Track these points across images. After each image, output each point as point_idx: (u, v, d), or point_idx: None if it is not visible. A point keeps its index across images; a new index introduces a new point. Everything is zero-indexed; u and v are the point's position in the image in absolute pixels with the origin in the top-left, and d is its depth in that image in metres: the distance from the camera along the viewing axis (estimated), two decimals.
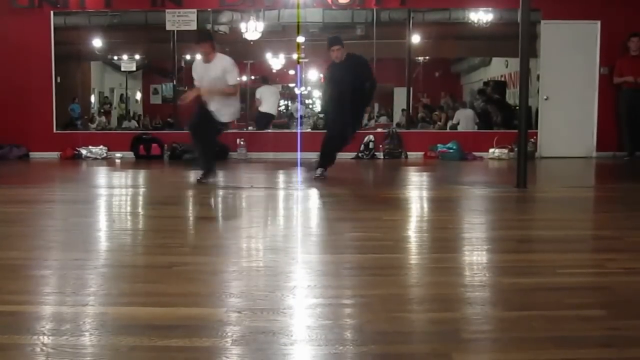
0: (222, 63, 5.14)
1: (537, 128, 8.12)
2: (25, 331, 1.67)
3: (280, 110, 10.22)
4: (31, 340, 1.61)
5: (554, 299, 1.96)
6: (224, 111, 5.15)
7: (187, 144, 8.02)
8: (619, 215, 3.67)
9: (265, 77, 9.78)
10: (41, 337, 1.62)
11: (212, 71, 5.12)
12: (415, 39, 8.71)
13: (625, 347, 1.59)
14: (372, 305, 1.92)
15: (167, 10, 8.24)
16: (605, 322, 1.75)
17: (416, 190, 5.21)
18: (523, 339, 1.63)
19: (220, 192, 4.86)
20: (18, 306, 1.90)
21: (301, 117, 9.54)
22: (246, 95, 10.20)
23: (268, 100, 9.09)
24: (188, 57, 8.73)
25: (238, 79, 5.27)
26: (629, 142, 7.63)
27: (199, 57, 5.30)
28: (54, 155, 8.26)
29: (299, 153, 7.40)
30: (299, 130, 8.50)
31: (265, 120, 9.09)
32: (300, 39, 9.14)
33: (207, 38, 5.27)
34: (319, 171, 5.38)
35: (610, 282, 2.18)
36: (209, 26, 8.47)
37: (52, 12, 8.26)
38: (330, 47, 5.30)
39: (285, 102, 10.82)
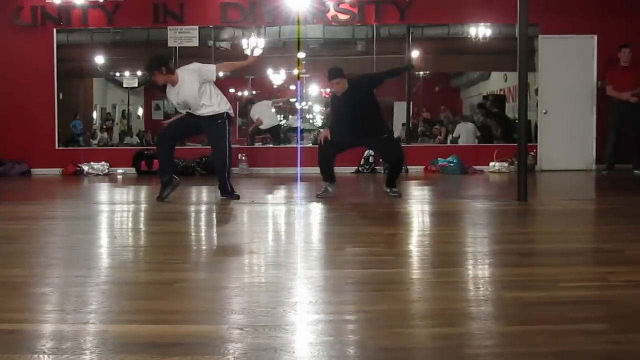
0: (190, 75, 4.70)
1: (537, 141, 8.15)
2: (25, 350, 1.67)
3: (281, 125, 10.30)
4: (32, 359, 1.60)
5: (557, 313, 1.95)
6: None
7: (189, 160, 8.09)
8: (620, 228, 3.66)
9: (259, 94, 9.94)
10: (42, 356, 1.62)
11: (185, 91, 4.68)
12: (415, 54, 8.79)
13: None
14: (374, 321, 1.91)
15: (169, 28, 8.34)
16: (609, 336, 1.74)
17: (417, 204, 5.21)
18: (526, 354, 1.62)
19: (222, 208, 4.87)
20: (19, 325, 1.89)
21: (301, 132, 9.61)
22: (246, 110, 10.27)
23: (265, 117, 9.22)
24: None
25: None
26: (611, 154, 7.59)
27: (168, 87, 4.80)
28: (56, 171, 8.28)
29: (299, 168, 7.42)
30: (299, 146, 8.53)
31: (276, 131, 9.24)
32: (301, 55, 9.23)
33: (157, 66, 4.67)
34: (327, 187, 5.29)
35: (613, 296, 2.17)
36: (210, 43, 8.55)
37: (55, 30, 8.35)
38: (330, 80, 5.14)
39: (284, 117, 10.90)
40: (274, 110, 9.46)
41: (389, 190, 5.26)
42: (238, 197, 5.02)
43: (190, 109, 4.86)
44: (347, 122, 5.12)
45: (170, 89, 4.79)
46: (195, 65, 4.89)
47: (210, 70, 4.81)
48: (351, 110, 5.07)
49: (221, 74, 4.95)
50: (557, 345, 1.68)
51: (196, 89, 4.73)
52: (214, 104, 4.83)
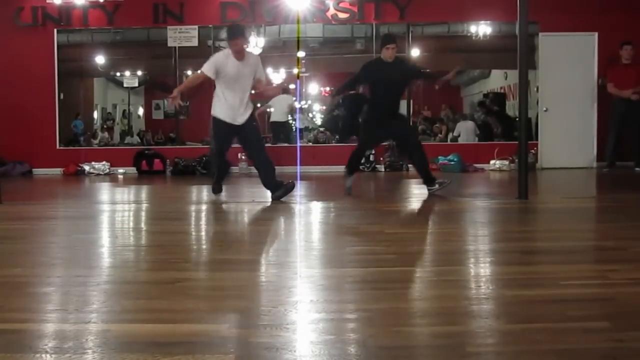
0: (254, 60, 4.82)
1: (537, 139, 8.14)
2: (27, 349, 1.67)
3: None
4: (33, 358, 1.60)
5: (558, 311, 1.96)
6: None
7: (189, 159, 8.10)
8: (621, 226, 3.66)
9: (285, 87, 9.92)
10: (44, 356, 1.62)
11: (247, 70, 4.72)
12: (415, 52, 8.78)
13: (630, 359, 1.58)
14: (375, 319, 1.91)
15: (168, 27, 8.34)
16: (610, 334, 1.74)
17: (418, 202, 5.21)
18: (528, 352, 1.63)
19: (222, 207, 4.87)
20: (20, 324, 1.90)
21: (301, 130, 9.62)
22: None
23: (277, 108, 9.20)
24: (189, 72, 8.81)
25: None
26: (611, 151, 7.57)
27: (225, 53, 4.81)
28: (57, 171, 8.29)
29: (298, 167, 7.41)
30: (298, 144, 8.53)
31: (278, 129, 9.21)
32: (301, 54, 9.23)
33: (241, 33, 4.77)
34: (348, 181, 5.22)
35: (614, 294, 2.17)
36: (209, 42, 8.55)
37: (55, 30, 8.36)
38: (388, 44, 4.95)
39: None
40: (287, 106, 9.36)
41: (434, 188, 5.07)
42: (292, 187, 4.89)
43: (234, 89, 4.76)
44: (382, 98, 4.98)
45: (233, 60, 4.72)
46: (258, 57, 5.02)
47: (262, 74, 4.95)
48: (392, 83, 4.93)
49: (261, 78, 4.97)
50: (558, 342, 1.68)
51: (251, 78, 4.79)
52: (250, 106, 4.91)
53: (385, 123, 5.06)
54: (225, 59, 4.74)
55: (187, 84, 4.99)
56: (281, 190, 4.81)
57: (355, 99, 9.16)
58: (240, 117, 4.80)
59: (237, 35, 4.73)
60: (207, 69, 4.78)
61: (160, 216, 4.60)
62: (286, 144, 8.90)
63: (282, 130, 9.31)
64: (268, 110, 9.33)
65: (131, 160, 8.33)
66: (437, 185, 5.12)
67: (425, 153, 5.16)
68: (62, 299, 2.23)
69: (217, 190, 5.08)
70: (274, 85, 5.25)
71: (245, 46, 4.89)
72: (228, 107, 4.78)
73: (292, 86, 10.62)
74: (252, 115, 4.89)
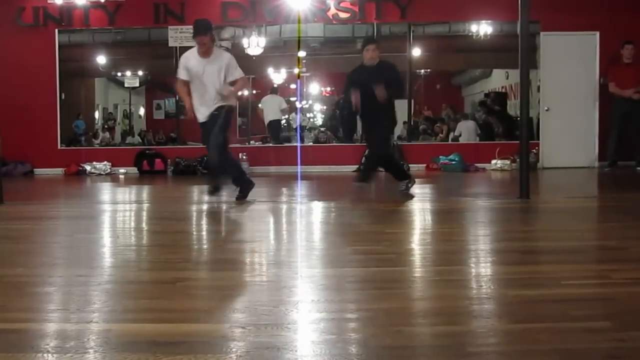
0: (223, 59, 4.64)
1: (538, 139, 8.14)
2: (29, 349, 1.67)
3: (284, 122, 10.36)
4: (35, 358, 1.60)
5: (560, 311, 1.96)
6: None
7: (190, 159, 8.11)
8: (622, 226, 3.65)
9: (273, 87, 9.97)
10: (45, 355, 1.62)
11: (211, 68, 4.56)
12: (416, 52, 8.78)
13: (631, 358, 1.58)
14: (376, 319, 1.91)
15: (169, 27, 8.34)
16: (611, 333, 1.74)
17: (419, 202, 5.21)
18: (529, 352, 1.63)
19: (223, 207, 4.87)
20: (22, 324, 1.90)
21: (301, 130, 9.64)
22: (248, 110, 10.29)
23: (269, 109, 9.24)
24: None
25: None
26: (613, 151, 7.57)
27: (191, 51, 4.70)
28: (59, 171, 8.30)
29: (299, 167, 7.42)
30: (298, 144, 8.54)
31: (275, 127, 9.27)
32: (302, 54, 9.24)
33: (205, 29, 4.55)
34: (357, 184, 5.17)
35: (616, 293, 2.17)
36: None
37: (56, 30, 8.37)
38: (367, 45, 4.84)
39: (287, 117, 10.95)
40: (278, 106, 9.41)
41: (403, 188, 5.12)
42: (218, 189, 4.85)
43: (197, 85, 4.63)
44: (364, 100, 4.80)
45: (197, 57, 4.61)
46: (229, 56, 4.80)
47: (234, 74, 4.69)
48: (368, 87, 4.75)
49: (230, 79, 4.72)
50: (560, 342, 1.68)
51: (222, 78, 4.62)
52: (217, 101, 4.70)
53: (366, 127, 5.06)
54: (189, 56, 4.65)
55: (182, 95, 4.89)
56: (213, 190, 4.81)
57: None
58: (203, 116, 4.67)
59: (200, 32, 4.57)
60: (178, 72, 4.74)
61: (161, 216, 4.61)
62: (281, 144, 8.93)
63: (274, 128, 9.36)
64: (260, 107, 9.42)
65: (132, 160, 8.33)
66: (404, 187, 5.13)
67: (390, 162, 5.19)
68: (63, 299, 2.23)
69: (245, 185, 4.84)
70: (238, 85, 4.87)
71: (214, 43, 4.67)
72: (197, 104, 4.68)
73: (292, 86, 10.64)
74: (219, 108, 4.65)
